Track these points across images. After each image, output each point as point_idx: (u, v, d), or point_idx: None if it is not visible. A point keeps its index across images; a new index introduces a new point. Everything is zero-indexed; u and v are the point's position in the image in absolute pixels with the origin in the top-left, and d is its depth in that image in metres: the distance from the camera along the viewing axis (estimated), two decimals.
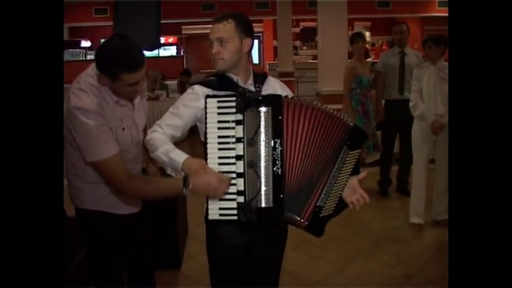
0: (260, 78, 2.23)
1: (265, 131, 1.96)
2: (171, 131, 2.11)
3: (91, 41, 15.51)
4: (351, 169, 2.08)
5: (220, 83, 2.14)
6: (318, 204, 2.04)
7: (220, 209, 1.98)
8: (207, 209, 2.02)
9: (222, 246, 2.14)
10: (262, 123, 1.96)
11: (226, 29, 2.09)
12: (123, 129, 2.21)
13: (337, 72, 5.77)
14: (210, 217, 2.00)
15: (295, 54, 14.80)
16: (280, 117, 1.97)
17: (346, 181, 2.09)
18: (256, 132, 1.96)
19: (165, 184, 2.03)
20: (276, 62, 11.97)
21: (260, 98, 2.00)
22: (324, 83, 6.22)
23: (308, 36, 15.80)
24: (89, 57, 14.16)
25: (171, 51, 16.26)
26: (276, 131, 1.97)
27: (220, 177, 1.92)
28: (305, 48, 16.30)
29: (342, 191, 2.09)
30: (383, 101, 5.51)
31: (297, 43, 15.92)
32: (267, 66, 14.05)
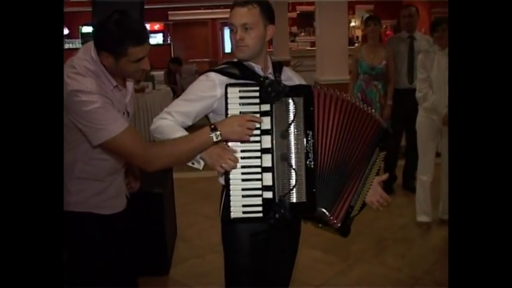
0: (278, 67, 2.27)
1: (296, 123, 2.01)
2: (182, 119, 2.11)
3: (68, 29, 15.44)
4: (378, 170, 2.19)
5: (238, 71, 2.15)
6: (351, 204, 2.12)
7: (244, 205, 2.01)
8: (226, 207, 2.05)
9: (243, 244, 2.16)
10: (295, 113, 2.00)
11: (251, 14, 2.09)
12: (124, 113, 2.22)
13: (336, 60, 5.78)
14: (233, 215, 2.02)
15: (292, 41, 14.79)
16: (311, 108, 2.03)
17: (372, 182, 2.19)
18: (290, 123, 2.00)
19: (190, 139, 2.02)
20: (271, 49, 11.96)
21: (289, 87, 2.04)
22: (323, 72, 6.22)
23: (305, 21, 15.78)
24: (66, 45, 14.08)
25: (157, 39, 16.20)
26: (308, 123, 2.02)
27: (242, 122, 1.97)
28: (302, 34, 16.28)
29: (368, 191, 2.18)
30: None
31: (294, 29, 15.91)
32: None
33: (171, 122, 2.09)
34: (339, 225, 2.10)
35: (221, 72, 2.15)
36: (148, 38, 2.10)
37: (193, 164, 2.05)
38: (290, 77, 2.28)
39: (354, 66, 5.42)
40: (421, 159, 4.58)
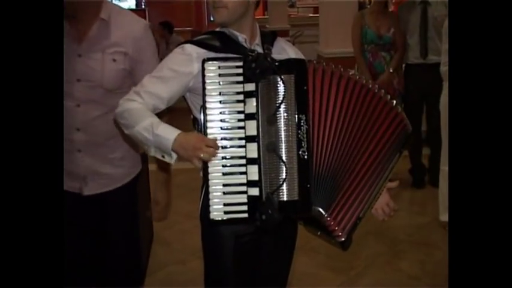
0: (269, 38, 2.23)
1: (285, 105, 1.97)
2: (153, 101, 2.08)
3: None
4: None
5: (219, 42, 2.12)
6: (359, 215, 2.08)
7: (226, 205, 1.98)
8: (205, 206, 2.03)
9: (226, 246, 2.15)
10: (284, 94, 1.96)
11: None
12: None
13: (343, 29, 5.75)
14: (213, 217, 1.99)
15: (291, 6, 14.78)
16: (305, 87, 1.99)
17: (383, 189, 2.17)
18: (279, 106, 1.96)
19: None
20: (265, 16, 11.93)
21: (278, 62, 2.00)
22: (327, 43, 6.22)
23: None
24: None
25: (129, 2, 16.13)
26: (301, 105, 1.98)
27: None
28: None
29: (377, 199, 2.17)
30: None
31: None
32: None
33: (140, 105, 2.06)
34: (343, 239, 2.05)
35: (199, 43, 2.12)
36: None
37: (163, 157, 2.04)
38: (284, 50, 2.25)
39: (358, 36, 5.40)
40: (445, 146, 4.51)
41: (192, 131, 2.10)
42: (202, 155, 1.94)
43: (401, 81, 5.44)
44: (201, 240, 2.23)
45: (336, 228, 2.04)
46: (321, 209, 2.03)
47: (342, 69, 2.07)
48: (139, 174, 2.75)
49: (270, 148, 1.97)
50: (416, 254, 4.23)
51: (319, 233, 2.11)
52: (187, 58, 2.09)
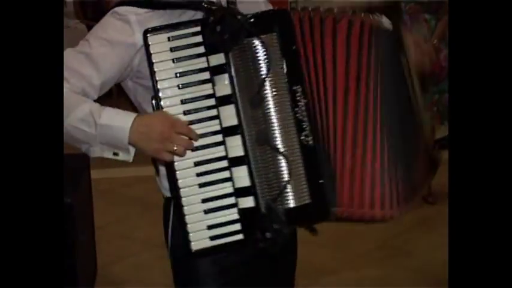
0: None
1: (272, 77, 1.95)
2: (81, 84, 2.01)
3: None
4: None
5: None
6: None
7: (211, 227, 1.96)
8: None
9: (207, 280, 2.13)
10: (267, 62, 1.93)
11: None
12: None
13: None
14: (196, 246, 1.96)
15: None
16: (294, 47, 1.97)
17: None
18: (263, 80, 1.93)
19: None
20: None
21: (252, 19, 1.96)
22: None
23: None
24: None
25: None
26: (293, 73, 1.97)
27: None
28: None
29: None
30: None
31: None
32: None
33: (66, 89, 1.98)
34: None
35: (137, 2, 2.06)
36: None
37: (116, 155, 2.00)
38: (256, 4, 2.20)
39: None
40: None
41: None
42: (175, 148, 1.90)
43: None
44: (174, 281, 2.20)
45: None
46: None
47: (335, 11, 2.05)
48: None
49: (261, 139, 1.96)
50: None
51: None
52: (122, 25, 2.05)
